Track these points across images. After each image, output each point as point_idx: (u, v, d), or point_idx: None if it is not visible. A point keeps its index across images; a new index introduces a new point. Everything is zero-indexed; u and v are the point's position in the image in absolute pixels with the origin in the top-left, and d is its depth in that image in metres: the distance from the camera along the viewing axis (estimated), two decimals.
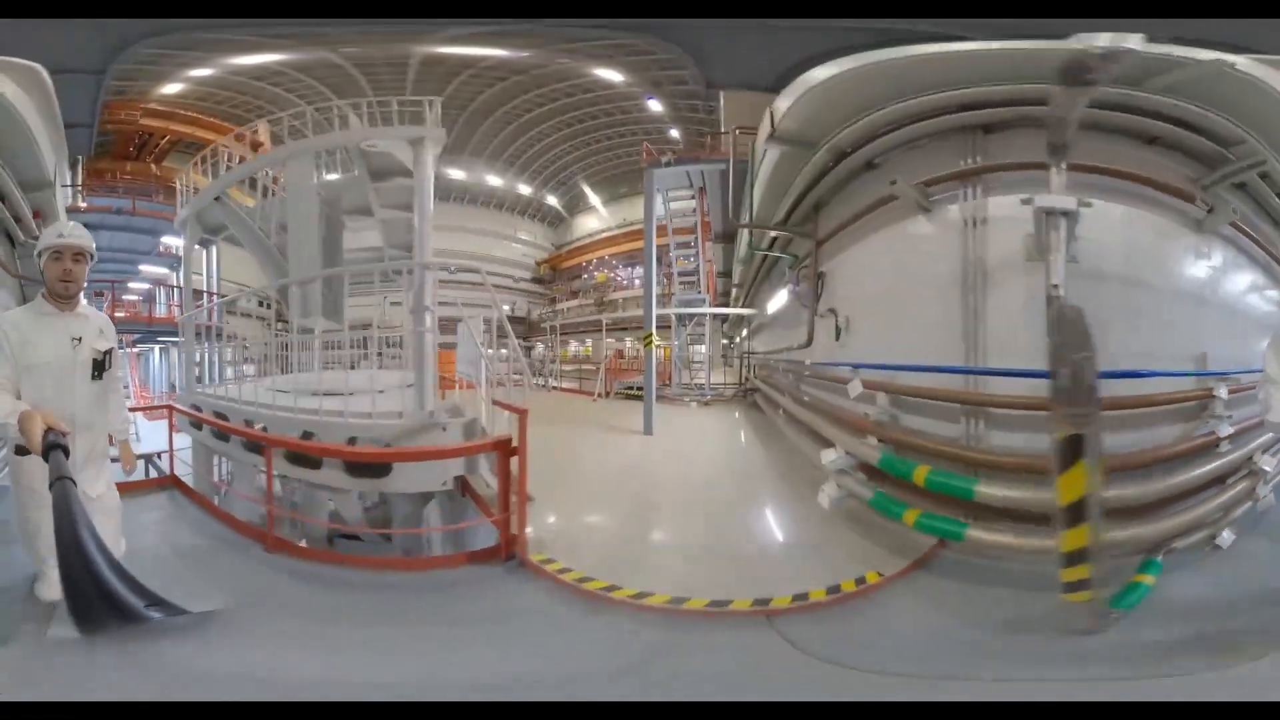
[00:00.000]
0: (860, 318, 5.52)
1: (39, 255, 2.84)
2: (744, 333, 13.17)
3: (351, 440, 4.58)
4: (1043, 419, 3.36)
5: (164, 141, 10.58)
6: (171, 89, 9.19)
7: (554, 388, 13.81)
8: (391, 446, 4.54)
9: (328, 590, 3.77)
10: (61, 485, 2.24)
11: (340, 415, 4.71)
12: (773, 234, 7.24)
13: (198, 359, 7.23)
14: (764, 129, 5.60)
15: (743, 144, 7.32)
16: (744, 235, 9.29)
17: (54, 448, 2.32)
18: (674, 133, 9.65)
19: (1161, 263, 4.04)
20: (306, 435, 4.76)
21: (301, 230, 6.65)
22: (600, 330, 14.14)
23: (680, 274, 12.39)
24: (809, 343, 6.45)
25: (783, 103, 5.05)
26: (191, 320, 7.15)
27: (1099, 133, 3.95)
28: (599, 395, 12.17)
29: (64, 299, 2.81)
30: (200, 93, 9.35)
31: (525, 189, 13.47)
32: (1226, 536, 3.73)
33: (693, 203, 11.72)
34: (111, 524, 2.84)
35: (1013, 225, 3.93)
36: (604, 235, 14.04)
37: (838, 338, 5.73)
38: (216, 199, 7.17)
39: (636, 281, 13.92)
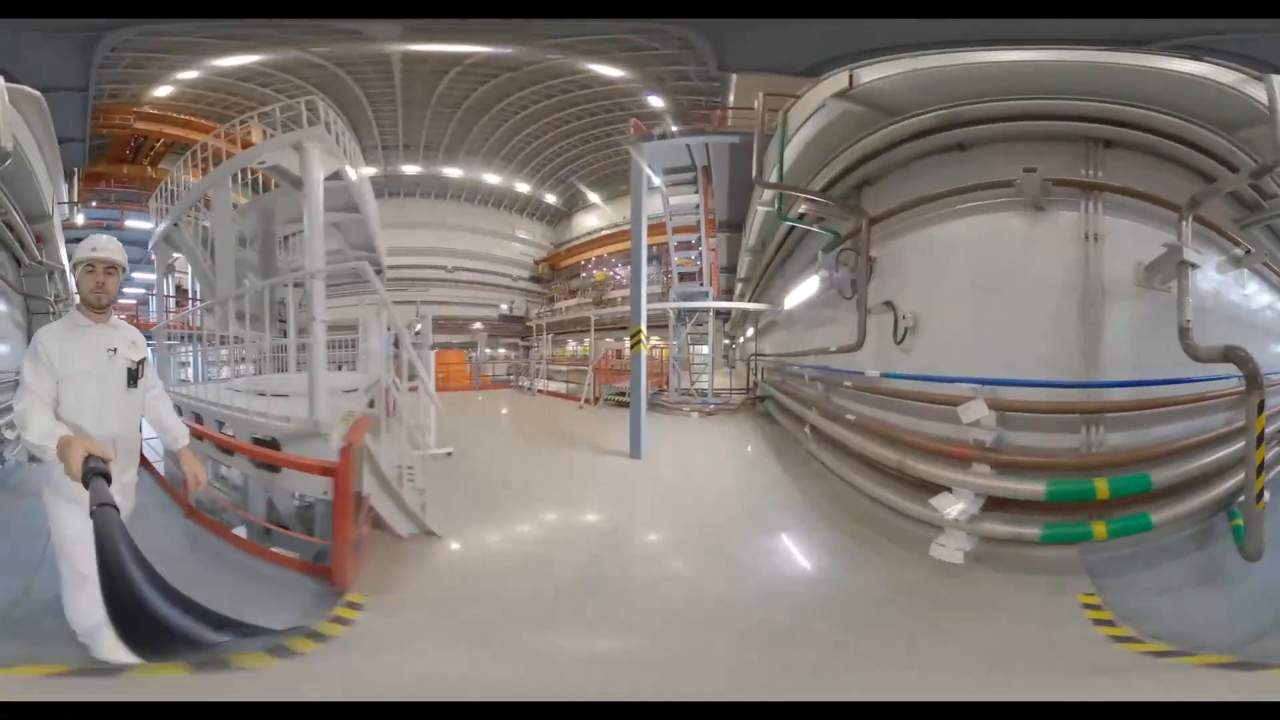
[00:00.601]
0: (934, 317, 4.67)
1: (74, 268, 3.08)
2: (749, 332, 12.11)
3: (271, 439, 4.73)
4: (1150, 417, 4.18)
5: (159, 144, 10.59)
6: (161, 92, 9.15)
7: (540, 391, 12.88)
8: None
9: (177, 544, 4.18)
10: (104, 513, 2.18)
11: (244, 412, 4.99)
12: (801, 208, 6.13)
13: (181, 359, 7.61)
14: (829, 87, 4.79)
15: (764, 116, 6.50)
16: (758, 216, 7.94)
17: (95, 474, 2.30)
18: (675, 130, 9.21)
19: (1216, 291, 4.63)
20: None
21: (222, 252, 7.14)
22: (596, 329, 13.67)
23: (679, 270, 11.04)
24: (859, 344, 5.18)
25: (877, 69, 4.50)
26: (164, 326, 7.63)
27: (1178, 167, 4.38)
28: (585, 402, 10.81)
29: (98, 310, 2.91)
30: (191, 95, 9.34)
31: (524, 187, 13.35)
32: (1266, 495, 4.35)
33: (694, 194, 10.30)
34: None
35: (1126, 248, 4.22)
36: (603, 233, 13.89)
37: (900, 339, 4.76)
38: (175, 224, 7.58)
39: None
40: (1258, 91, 3.80)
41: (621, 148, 11.43)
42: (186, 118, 9.70)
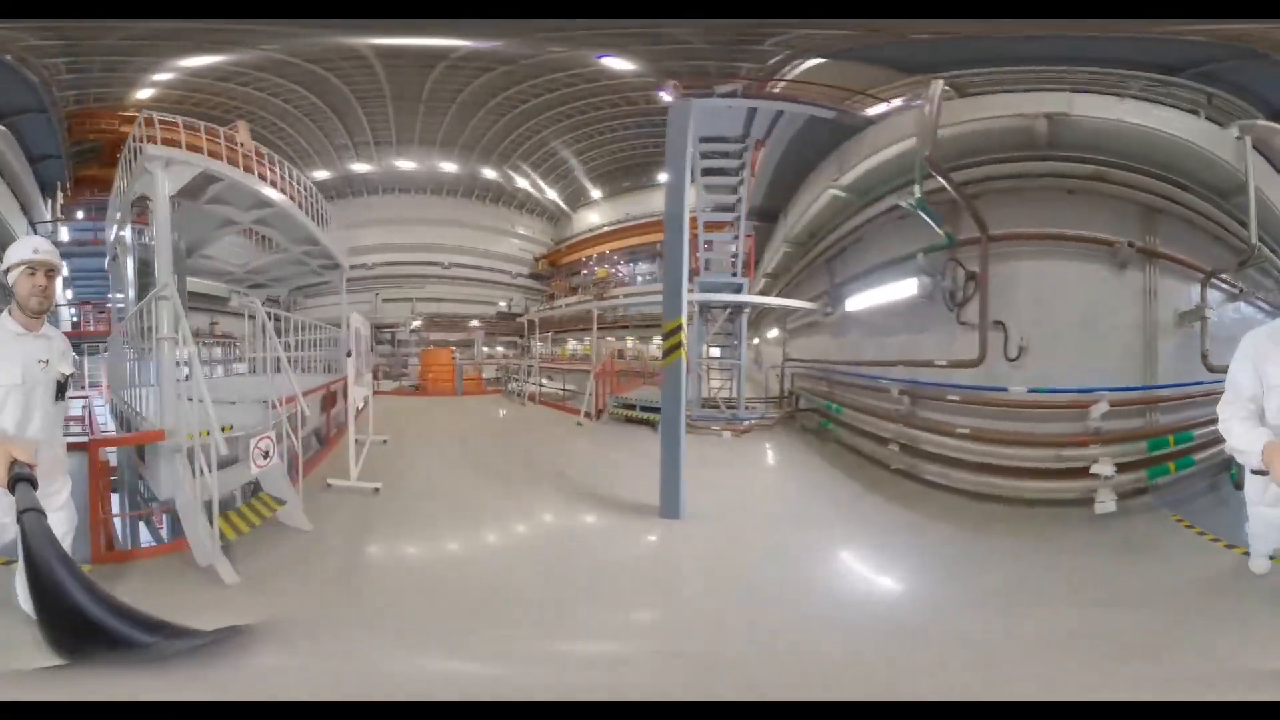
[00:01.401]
0: (1044, 339, 5.77)
1: (6, 272, 2.85)
2: (771, 334, 10.85)
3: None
4: (1179, 405, 5.97)
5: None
6: (143, 94, 8.93)
7: (533, 396, 11.31)
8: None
9: None
10: (31, 517, 2.25)
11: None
12: (911, 197, 6.00)
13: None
14: (1021, 102, 5.58)
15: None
16: (820, 202, 7.54)
17: (20, 480, 2.34)
18: (738, 90, 8.37)
19: (1218, 319, 6.17)
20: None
21: (129, 277, 7.73)
22: (611, 327, 12.66)
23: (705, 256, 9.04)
24: (980, 360, 5.80)
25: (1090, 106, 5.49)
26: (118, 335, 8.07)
27: (1195, 228, 6.02)
28: (586, 417, 9.04)
29: (36, 314, 2.82)
30: (176, 96, 9.11)
31: (523, 182, 13.03)
32: None
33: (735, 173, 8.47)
34: (64, 532, 2.96)
35: (1167, 300, 5.94)
36: (605, 229, 13.53)
37: (1016, 357, 5.73)
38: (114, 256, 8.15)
39: (640, 278, 13.38)
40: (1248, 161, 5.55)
41: (626, 144, 11.01)
42: (171, 120, 9.51)
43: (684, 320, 5.27)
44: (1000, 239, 5.68)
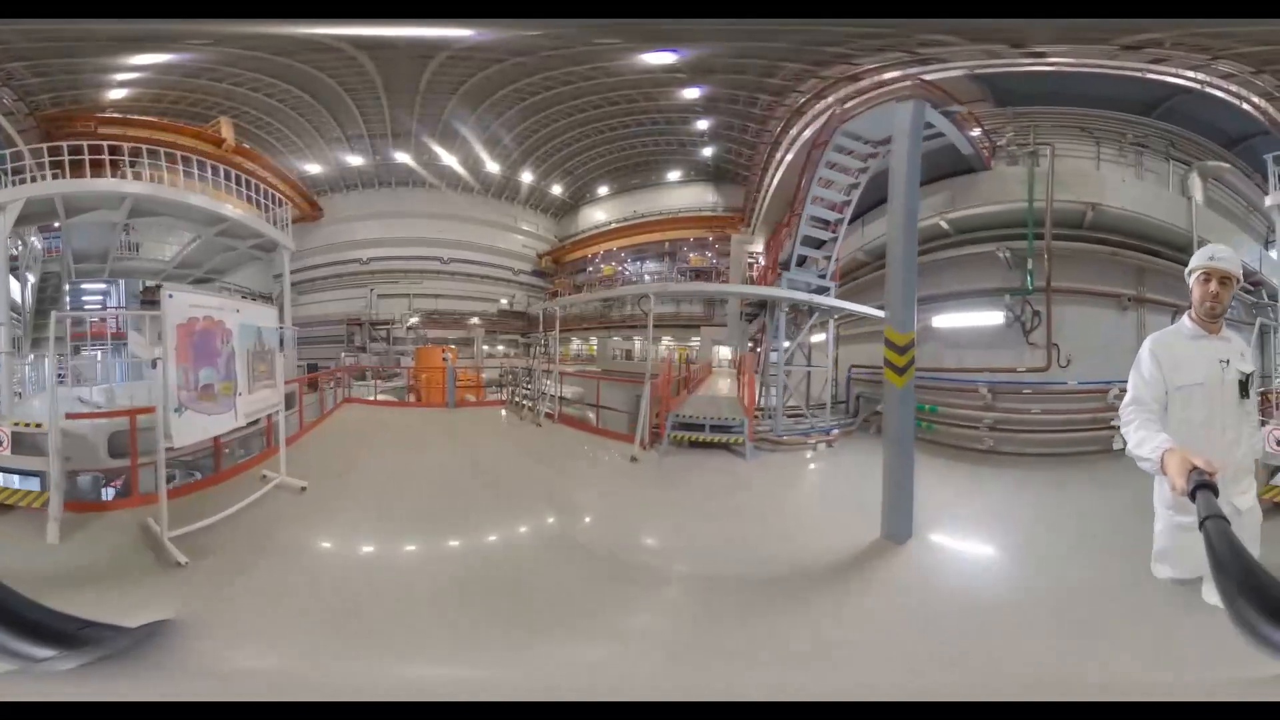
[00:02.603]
0: (1080, 354, 8.56)
1: None
2: (815, 339, 10.03)
3: None
4: None
5: (129, 149, 9.99)
6: (117, 94, 8.47)
7: (550, 413, 8.97)
8: None
9: None
10: None
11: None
12: (1008, 250, 8.58)
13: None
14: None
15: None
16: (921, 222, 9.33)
17: None
18: (700, 124, 8.03)
19: None
20: None
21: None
22: (604, 327, 12.40)
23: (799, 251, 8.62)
24: (1048, 367, 8.55)
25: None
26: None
27: (1169, 277, 8.11)
28: (642, 447, 6.92)
29: None
30: (152, 95, 8.64)
31: (528, 177, 12.52)
32: None
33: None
34: None
35: (1153, 329, 8.33)
36: (613, 227, 13.03)
37: (1065, 364, 8.53)
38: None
39: (647, 277, 12.86)
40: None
41: (635, 141, 10.48)
42: (150, 119, 9.06)
43: (914, 335, 4.80)
44: (1062, 291, 8.51)
